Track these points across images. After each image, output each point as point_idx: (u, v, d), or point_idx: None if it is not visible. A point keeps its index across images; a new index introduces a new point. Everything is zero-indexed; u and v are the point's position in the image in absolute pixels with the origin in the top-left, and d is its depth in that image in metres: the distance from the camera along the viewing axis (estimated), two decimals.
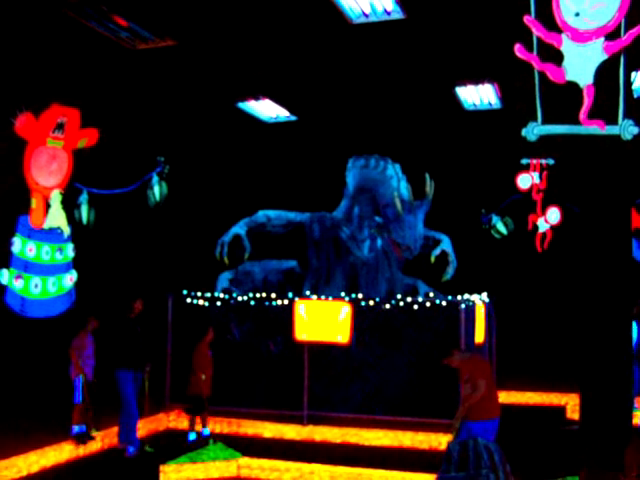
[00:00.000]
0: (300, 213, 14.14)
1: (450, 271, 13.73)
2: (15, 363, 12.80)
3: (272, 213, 14.13)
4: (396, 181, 13.54)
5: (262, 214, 14.08)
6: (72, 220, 8.96)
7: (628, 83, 5.66)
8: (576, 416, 11.14)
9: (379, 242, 13.53)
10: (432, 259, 13.65)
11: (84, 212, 9.02)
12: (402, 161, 13.98)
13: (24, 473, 9.14)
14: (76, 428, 10.20)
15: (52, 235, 8.74)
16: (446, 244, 13.89)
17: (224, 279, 13.61)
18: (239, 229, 13.74)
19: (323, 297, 12.34)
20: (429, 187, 13.30)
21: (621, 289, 7.28)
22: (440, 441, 10.28)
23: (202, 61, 11.44)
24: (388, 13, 9.40)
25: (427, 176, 13.29)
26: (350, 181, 13.99)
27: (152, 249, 15.25)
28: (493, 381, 8.36)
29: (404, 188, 13.50)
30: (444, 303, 11.98)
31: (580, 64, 5.49)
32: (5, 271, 8.27)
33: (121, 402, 10.30)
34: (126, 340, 10.34)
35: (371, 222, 13.56)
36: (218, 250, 13.57)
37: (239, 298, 12.78)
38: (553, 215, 14.24)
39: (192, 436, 10.70)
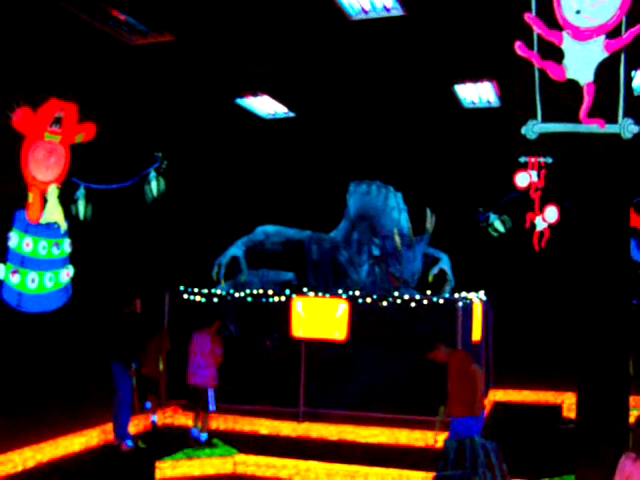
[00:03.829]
0: (299, 230, 14.12)
1: (447, 289, 13.69)
2: (11, 358, 12.75)
3: (271, 229, 14.06)
4: (397, 213, 13.61)
5: (260, 231, 14.02)
6: (69, 215, 8.93)
7: (628, 81, 5.64)
8: (572, 414, 11.15)
9: (377, 268, 13.53)
10: (430, 278, 13.63)
11: (81, 207, 8.97)
12: (399, 163, 13.99)
13: (19, 468, 9.13)
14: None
15: (49, 230, 8.70)
16: (445, 263, 13.86)
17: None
18: (237, 250, 13.65)
19: (320, 294, 12.34)
20: (429, 222, 13.37)
21: (619, 288, 7.27)
22: (436, 439, 10.27)
23: (200, 56, 11.41)
24: (388, 10, 9.36)
25: (428, 211, 13.37)
26: (351, 205, 14.01)
27: (149, 245, 15.22)
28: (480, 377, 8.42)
29: (405, 220, 13.59)
30: (441, 301, 11.99)
31: (581, 62, 5.46)
32: (2, 266, 8.24)
33: (116, 395, 10.30)
34: (119, 334, 10.42)
35: (370, 248, 13.57)
36: (215, 271, 13.51)
37: (236, 295, 12.76)
38: (551, 214, 14.20)
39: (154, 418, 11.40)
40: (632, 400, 7.44)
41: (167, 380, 12.29)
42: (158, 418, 11.59)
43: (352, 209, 14.00)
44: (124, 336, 10.47)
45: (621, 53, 5.52)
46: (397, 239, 12.99)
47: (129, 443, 10.21)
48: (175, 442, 10.33)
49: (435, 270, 13.81)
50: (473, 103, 13.29)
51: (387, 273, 13.37)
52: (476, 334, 12.99)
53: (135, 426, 10.98)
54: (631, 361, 10.71)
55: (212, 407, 10.31)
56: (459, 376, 7.96)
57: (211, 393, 10.28)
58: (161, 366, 11.35)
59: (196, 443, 10.13)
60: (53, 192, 8.64)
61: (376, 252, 13.57)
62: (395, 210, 13.68)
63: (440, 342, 8.29)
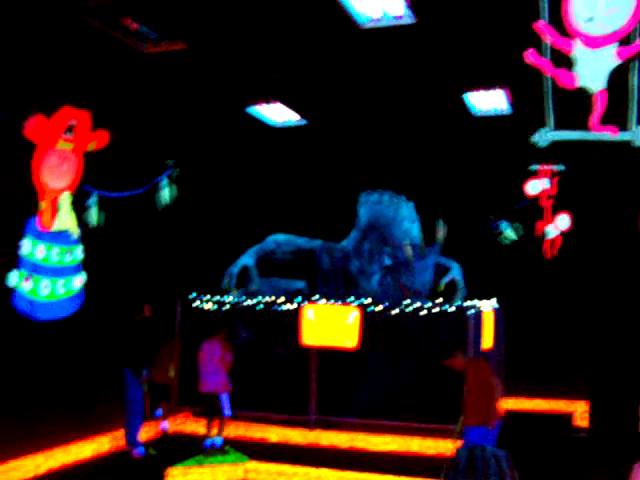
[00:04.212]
0: (310, 239, 14.14)
1: (458, 299, 13.63)
2: (23, 365, 12.81)
3: (282, 238, 14.08)
4: (409, 223, 13.62)
5: (272, 240, 14.04)
6: (81, 222, 8.96)
7: None
8: (583, 423, 11.09)
9: (388, 278, 13.53)
10: (441, 287, 13.59)
11: (93, 214, 9.01)
12: (410, 171, 13.95)
13: (31, 474, 9.15)
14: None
15: (61, 237, 8.72)
16: (456, 272, 13.81)
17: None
18: (248, 259, 13.66)
19: (331, 301, 12.34)
20: (441, 233, 13.35)
21: (631, 296, 7.24)
22: (447, 447, 10.24)
23: (212, 64, 11.46)
24: (399, 18, 9.37)
25: (440, 222, 13.35)
26: (362, 215, 14.02)
27: (161, 252, 15.27)
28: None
29: (416, 231, 13.58)
30: (452, 309, 11.96)
31: (592, 70, 5.45)
32: (14, 273, 8.27)
33: (127, 401, 10.32)
34: (129, 341, 10.45)
35: (381, 257, 13.56)
36: (226, 281, 13.52)
37: (247, 302, 12.78)
38: (563, 221, 14.16)
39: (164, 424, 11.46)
40: None
41: (178, 387, 12.31)
42: (169, 425, 11.60)
43: (363, 219, 14.01)
44: (134, 343, 10.50)
45: (633, 60, 5.50)
46: (408, 250, 12.98)
47: (140, 450, 10.22)
48: (186, 449, 10.33)
49: (446, 279, 13.77)
50: (484, 111, 13.26)
51: (398, 283, 13.36)
52: (487, 342, 12.94)
53: (146, 433, 10.99)
54: None
55: (228, 412, 10.34)
56: (476, 385, 7.92)
57: (225, 397, 10.30)
58: (172, 372, 11.38)
59: (210, 451, 10.11)
60: (66, 199, 8.68)
61: (387, 262, 13.55)
62: (407, 220, 13.69)
63: (458, 350, 8.25)
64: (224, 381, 10.35)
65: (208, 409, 10.46)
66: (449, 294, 13.61)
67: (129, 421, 10.33)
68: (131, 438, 10.30)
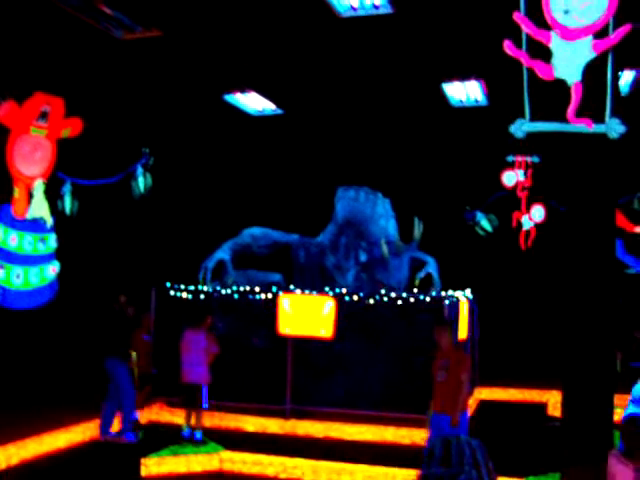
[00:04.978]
0: (286, 234, 14.11)
1: (433, 293, 13.65)
2: None
3: (258, 232, 14.02)
4: (385, 220, 13.62)
5: (247, 234, 13.97)
6: (55, 210, 8.87)
7: (615, 81, 5.67)
8: (557, 413, 11.21)
9: (363, 275, 13.55)
10: (416, 282, 13.58)
11: (67, 202, 8.92)
12: (386, 161, 13.94)
13: (3, 465, 9.06)
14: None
15: (35, 225, 8.64)
16: (432, 267, 13.81)
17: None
18: (223, 254, 13.57)
19: (307, 291, 12.35)
20: (417, 230, 13.37)
21: (604, 288, 7.30)
22: (422, 437, 10.30)
23: (188, 52, 11.37)
24: (376, 7, 9.36)
25: (416, 219, 13.37)
26: (339, 210, 14.00)
27: (136, 241, 15.17)
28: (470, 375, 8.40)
29: (393, 228, 13.60)
30: (428, 299, 12.01)
31: (569, 61, 5.47)
32: None
33: (117, 388, 10.23)
34: (113, 329, 10.39)
35: (357, 253, 13.57)
36: (201, 275, 13.43)
37: (223, 291, 12.74)
38: (537, 213, 14.26)
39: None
40: (618, 399, 7.48)
41: (153, 376, 12.26)
42: (144, 414, 11.55)
43: (340, 214, 13.99)
44: (118, 331, 10.43)
45: (608, 53, 5.54)
46: (384, 247, 13.01)
47: (130, 436, 10.17)
48: (161, 439, 10.29)
49: (422, 274, 13.78)
50: (461, 102, 13.30)
51: (373, 280, 13.38)
52: (462, 332, 13.03)
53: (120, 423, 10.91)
54: (618, 360, 10.82)
55: (205, 404, 10.25)
56: (451, 375, 7.95)
57: (205, 390, 10.22)
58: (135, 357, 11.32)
59: (190, 443, 10.05)
60: (39, 187, 8.58)
61: (363, 258, 13.58)
62: (383, 217, 13.71)
63: (448, 325, 8.20)
64: (206, 372, 10.26)
65: (187, 400, 10.37)
66: (424, 289, 13.63)
67: (122, 407, 10.25)
68: (125, 425, 10.27)
